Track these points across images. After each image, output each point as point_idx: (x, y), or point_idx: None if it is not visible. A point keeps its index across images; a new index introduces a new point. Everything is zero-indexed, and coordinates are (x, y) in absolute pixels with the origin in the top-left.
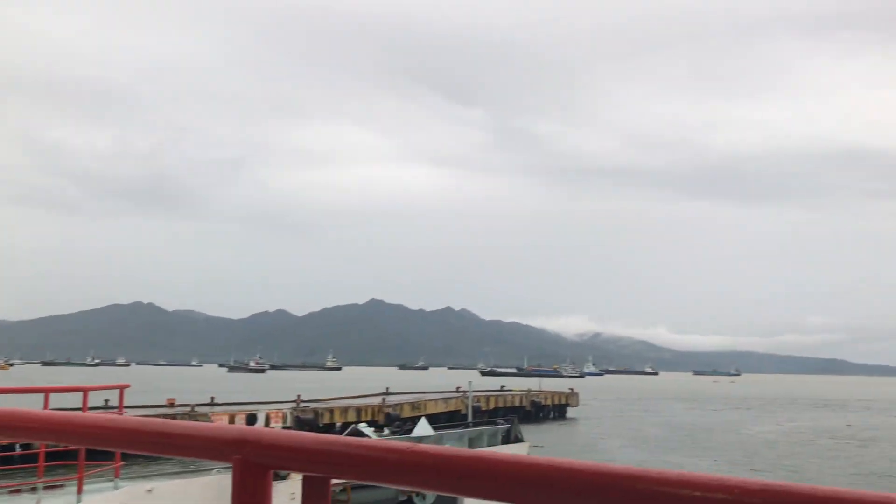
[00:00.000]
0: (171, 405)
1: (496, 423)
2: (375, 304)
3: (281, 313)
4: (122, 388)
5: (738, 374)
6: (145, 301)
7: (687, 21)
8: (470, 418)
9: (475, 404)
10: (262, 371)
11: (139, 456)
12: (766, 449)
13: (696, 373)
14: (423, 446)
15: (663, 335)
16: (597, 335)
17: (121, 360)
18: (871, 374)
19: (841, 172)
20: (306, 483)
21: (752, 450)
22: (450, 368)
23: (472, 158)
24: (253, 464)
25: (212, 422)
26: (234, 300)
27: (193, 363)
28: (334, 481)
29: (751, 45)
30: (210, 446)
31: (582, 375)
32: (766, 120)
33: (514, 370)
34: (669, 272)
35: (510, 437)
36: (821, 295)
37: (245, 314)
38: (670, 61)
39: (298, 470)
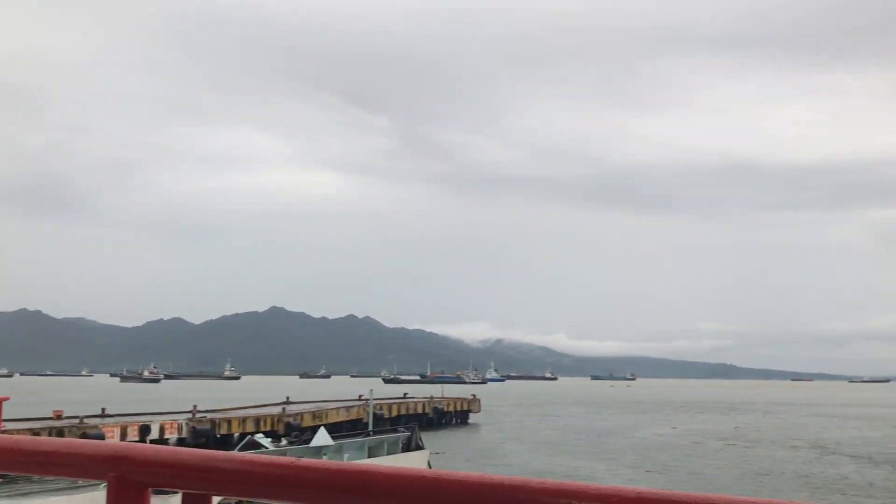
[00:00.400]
0: (58, 418)
1: (397, 431)
2: (276, 312)
3: (177, 321)
4: (0, 401)
5: (633, 379)
6: (31, 308)
7: (589, 36)
8: (371, 427)
9: (378, 412)
10: (157, 381)
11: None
12: (659, 451)
13: (594, 378)
14: (306, 461)
15: (563, 341)
16: (499, 341)
17: (2, 371)
18: (757, 377)
19: (730, 185)
20: (186, 501)
21: (647, 452)
22: (353, 377)
23: (377, 165)
24: (130, 482)
25: (102, 434)
26: (127, 307)
27: (83, 373)
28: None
29: (648, 62)
30: (84, 464)
31: (484, 381)
32: (660, 134)
33: (417, 377)
34: (569, 280)
35: (411, 445)
36: (711, 302)
37: (139, 322)
38: (573, 74)
39: (178, 487)
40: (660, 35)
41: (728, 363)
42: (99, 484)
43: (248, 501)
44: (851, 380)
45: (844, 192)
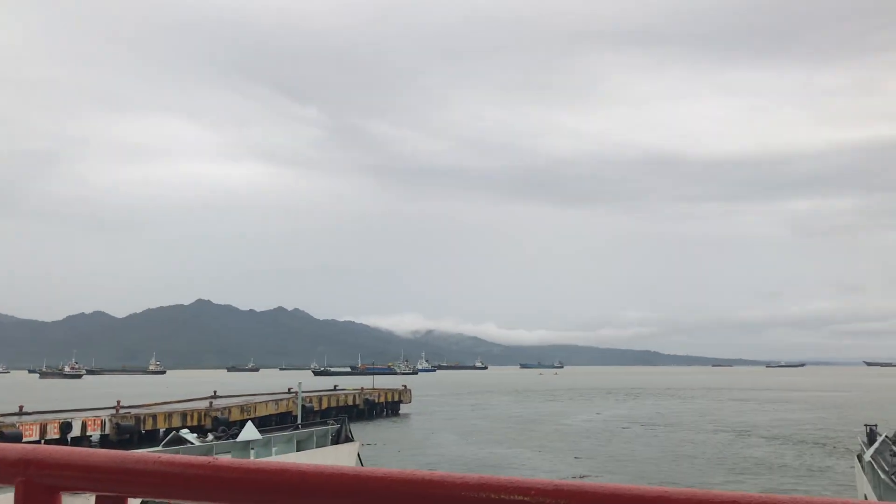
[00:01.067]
0: None
1: (327, 424)
2: (202, 305)
3: (99, 315)
4: None
5: (561, 367)
6: None
7: (514, 31)
8: (300, 420)
9: (307, 405)
10: (79, 376)
11: None
12: (585, 437)
13: (523, 366)
14: (224, 460)
15: (492, 331)
16: (430, 332)
17: None
18: (680, 364)
19: (650, 178)
20: None
21: (574, 438)
22: (282, 369)
23: (307, 156)
24: (38, 486)
25: (20, 433)
26: (46, 301)
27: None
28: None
29: (571, 57)
30: None
31: (415, 372)
32: (584, 128)
33: (348, 369)
34: (498, 270)
35: (340, 437)
36: (635, 291)
37: (59, 316)
38: (499, 68)
39: (90, 490)
40: (582, 30)
41: (652, 350)
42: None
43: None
44: (769, 365)
45: (759, 184)
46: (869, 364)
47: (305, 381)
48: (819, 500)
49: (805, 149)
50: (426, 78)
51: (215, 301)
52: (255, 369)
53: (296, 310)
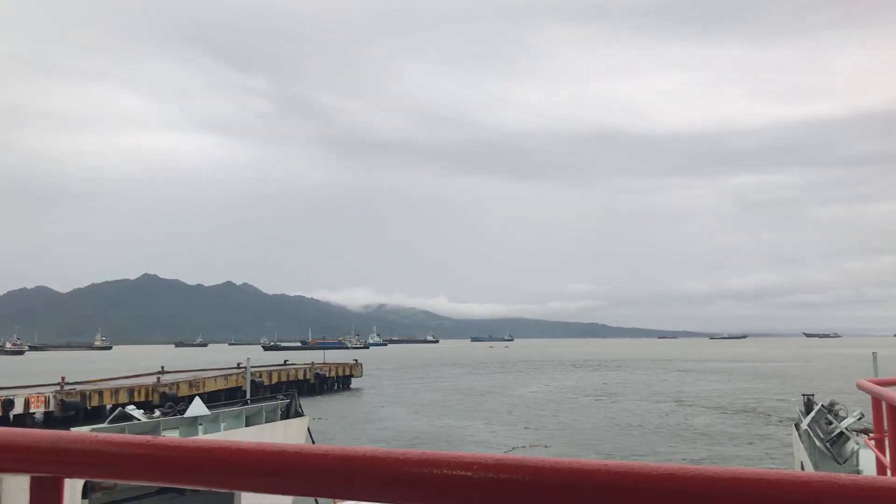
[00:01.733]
0: None
1: (276, 399)
2: (149, 280)
3: (42, 290)
4: None
5: (511, 340)
6: None
7: (465, 3)
8: (248, 395)
9: (257, 380)
10: (21, 353)
11: None
12: (534, 408)
13: (474, 339)
14: (164, 438)
15: (444, 304)
16: (381, 306)
17: None
18: (626, 336)
19: (598, 152)
20: (35, 485)
21: (523, 410)
22: (231, 344)
23: (255, 128)
24: None
25: None
26: None
27: None
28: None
29: (521, 30)
30: None
31: (367, 346)
32: (534, 102)
33: (298, 344)
34: (449, 244)
35: (290, 412)
36: (583, 265)
37: None
38: (449, 40)
39: (25, 471)
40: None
41: (600, 323)
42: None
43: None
44: (712, 336)
45: (703, 158)
46: (808, 335)
47: (255, 357)
48: (754, 471)
49: (748, 124)
50: (376, 49)
51: (162, 275)
52: (204, 344)
53: (245, 284)
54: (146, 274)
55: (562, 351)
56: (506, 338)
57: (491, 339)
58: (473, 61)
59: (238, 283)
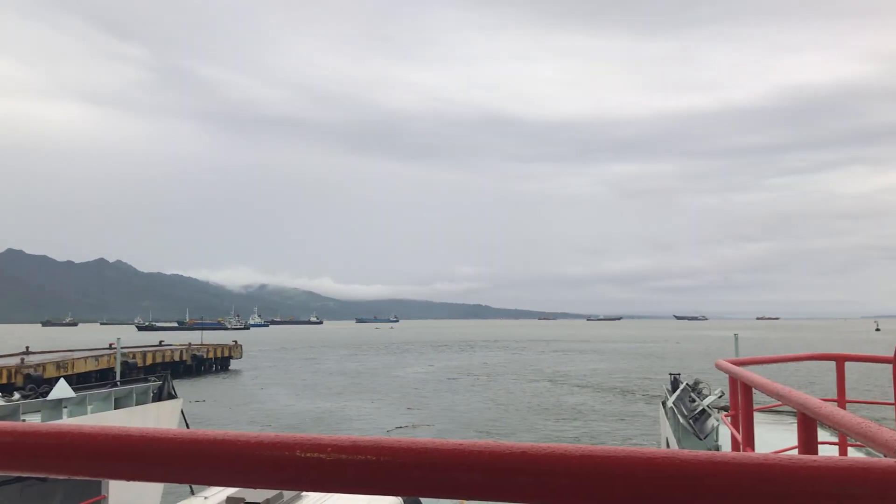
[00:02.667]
0: None
1: (148, 381)
2: (13, 255)
3: None
4: None
5: (397, 321)
6: None
7: None
8: (119, 376)
9: (131, 361)
10: None
11: None
12: (417, 388)
13: (359, 321)
14: (22, 424)
15: (328, 285)
16: (263, 287)
17: None
18: (509, 317)
19: (486, 137)
20: None
21: (406, 390)
22: (103, 324)
23: (133, 98)
24: None
25: None
26: None
27: None
28: None
29: (412, 11)
30: None
31: (247, 327)
32: (425, 84)
33: (175, 325)
34: (335, 224)
35: (162, 394)
36: (468, 247)
37: None
38: (339, 16)
39: None
40: None
41: (483, 304)
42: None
43: None
44: (589, 318)
45: (586, 146)
46: (678, 318)
47: (130, 337)
48: (629, 450)
49: (630, 114)
50: (261, 21)
51: (28, 251)
52: (74, 324)
53: (118, 261)
54: (10, 249)
55: (446, 332)
56: (391, 319)
57: (376, 320)
58: (364, 40)
59: (111, 261)
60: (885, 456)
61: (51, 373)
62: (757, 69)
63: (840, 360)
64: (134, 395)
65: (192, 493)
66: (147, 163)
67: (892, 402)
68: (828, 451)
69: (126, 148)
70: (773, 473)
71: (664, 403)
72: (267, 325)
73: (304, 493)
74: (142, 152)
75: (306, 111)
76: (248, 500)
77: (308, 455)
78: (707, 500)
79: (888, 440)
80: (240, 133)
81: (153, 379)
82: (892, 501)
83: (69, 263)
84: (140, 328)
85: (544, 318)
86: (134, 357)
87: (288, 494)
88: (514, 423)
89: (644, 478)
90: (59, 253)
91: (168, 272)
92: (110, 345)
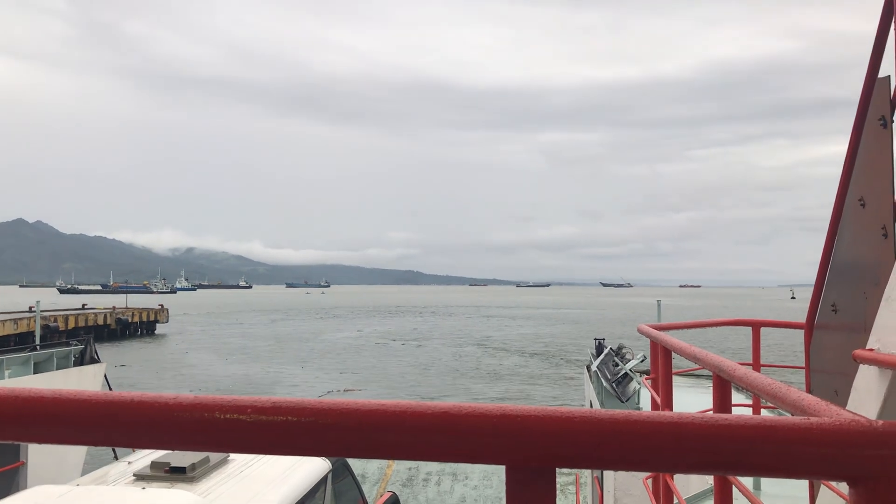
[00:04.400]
0: None
1: (70, 344)
2: None
3: None
4: None
5: (328, 286)
6: None
7: None
8: (38, 340)
9: (52, 324)
10: None
11: None
12: (346, 352)
13: (289, 285)
14: None
15: (258, 250)
16: (190, 250)
17: None
18: (440, 283)
19: (421, 102)
20: None
21: (338, 355)
22: (22, 287)
23: (54, 53)
24: None
25: None
26: None
27: None
28: None
29: None
30: None
31: (174, 291)
32: (356, 47)
33: (98, 287)
34: (265, 187)
35: (84, 358)
36: (400, 213)
37: None
38: None
39: None
40: None
41: (415, 270)
42: None
43: None
44: (519, 284)
45: (518, 114)
46: (605, 285)
47: (52, 300)
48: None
49: (561, 83)
50: None
51: None
52: None
53: (38, 222)
54: None
55: (378, 297)
56: (322, 284)
57: (307, 285)
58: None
59: (31, 221)
60: (793, 415)
61: None
62: (684, 42)
63: (756, 326)
64: (55, 359)
65: (116, 458)
66: (70, 120)
67: (804, 366)
68: (742, 412)
69: (48, 104)
70: (686, 431)
71: (588, 367)
72: (194, 289)
73: (230, 458)
74: (65, 109)
75: (235, 71)
76: (172, 465)
77: (228, 416)
78: (623, 456)
79: (795, 400)
80: (167, 92)
81: (75, 343)
82: (797, 456)
83: None
84: (62, 291)
85: (475, 285)
86: (55, 320)
87: (214, 458)
88: (441, 386)
89: (562, 436)
90: None
91: (91, 233)
92: (30, 308)
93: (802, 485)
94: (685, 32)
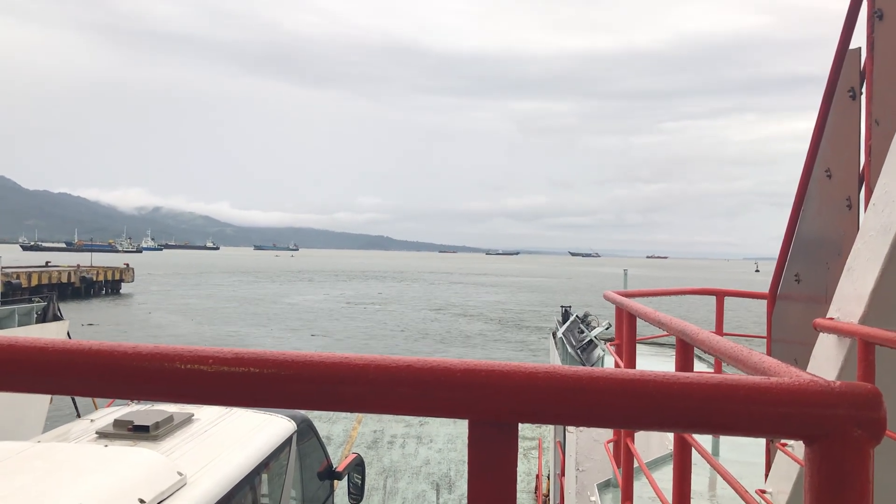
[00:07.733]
0: None
1: (32, 301)
2: None
3: None
4: None
5: (296, 249)
6: None
7: None
8: (0, 296)
9: (14, 281)
10: None
11: None
12: (312, 315)
13: (257, 248)
14: None
15: (226, 210)
16: (157, 209)
17: None
18: (410, 249)
19: (394, 66)
20: None
21: (305, 316)
22: None
23: (19, 5)
24: None
25: None
26: None
27: None
28: None
29: None
30: None
31: (139, 250)
32: (330, 7)
33: (63, 245)
34: (234, 148)
35: (47, 316)
36: (371, 178)
37: None
38: None
39: None
40: None
41: (385, 235)
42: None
43: None
44: (488, 252)
45: (491, 82)
46: (573, 254)
47: (13, 257)
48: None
49: (535, 51)
50: None
51: None
52: None
53: (0, 177)
54: None
55: (346, 262)
56: (291, 247)
57: (275, 247)
58: None
59: None
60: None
61: None
62: (658, 14)
63: (720, 295)
64: (16, 316)
65: (79, 415)
66: (33, 74)
67: (765, 335)
68: None
69: (10, 57)
70: (648, 388)
71: (554, 334)
72: (160, 249)
73: (194, 417)
74: (28, 62)
75: (204, 28)
76: (136, 423)
77: (189, 367)
78: (585, 412)
79: (756, 362)
80: (134, 48)
81: (38, 300)
82: (757, 415)
83: None
84: (25, 248)
85: (445, 252)
86: (18, 277)
87: (178, 417)
88: (406, 347)
89: (525, 391)
90: None
91: (56, 190)
92: None
93: (759, 451)
94: (659, 4)
